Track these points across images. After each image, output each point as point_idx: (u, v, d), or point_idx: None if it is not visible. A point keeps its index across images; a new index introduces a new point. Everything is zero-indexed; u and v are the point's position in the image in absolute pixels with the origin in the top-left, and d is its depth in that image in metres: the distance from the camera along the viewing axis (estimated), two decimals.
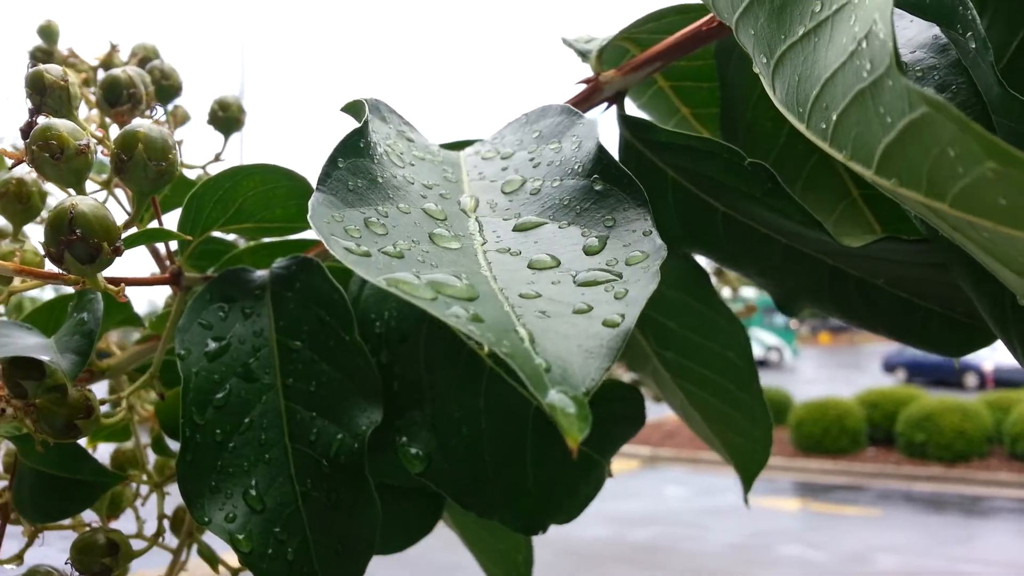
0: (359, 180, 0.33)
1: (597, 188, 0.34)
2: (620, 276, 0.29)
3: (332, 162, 0.32)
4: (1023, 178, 0.20)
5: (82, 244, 0.33)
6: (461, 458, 0.44)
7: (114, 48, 0.64)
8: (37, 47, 0.63)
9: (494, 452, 0.44)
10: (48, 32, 0.64)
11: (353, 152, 0.33)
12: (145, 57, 0.63)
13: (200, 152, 0.60)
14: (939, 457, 8.26)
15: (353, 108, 0.38)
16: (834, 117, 0.28)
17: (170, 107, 0.60)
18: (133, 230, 0.39)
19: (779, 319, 21.16)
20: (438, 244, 0.32)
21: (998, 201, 0.21)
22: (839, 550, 5.89)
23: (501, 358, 0.24)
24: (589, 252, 0.31)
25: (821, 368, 19.82)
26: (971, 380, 14.46)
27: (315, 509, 0.40)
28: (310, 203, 0.30)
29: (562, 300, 0.28)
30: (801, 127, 0.31)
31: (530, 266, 0.31)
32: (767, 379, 12.90)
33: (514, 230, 0.34)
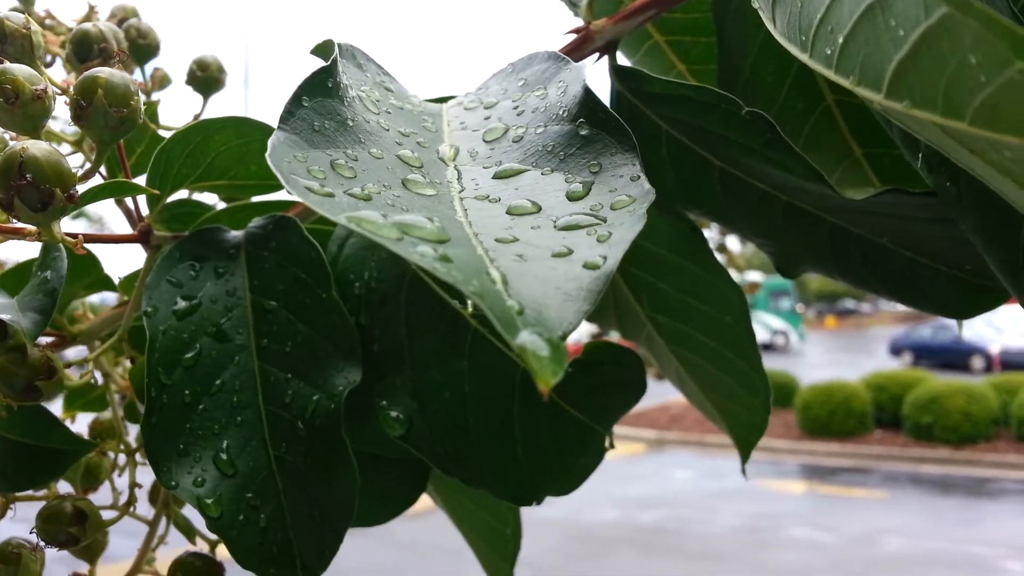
0: (326, 121, 0.31)
1: (583, 133, 0.32)
2: (604, 220, 0.27)
3: (296, 100, 0.30)
4: None
5: (33, 190, 0.31)
6: (443, 423, 0.42)
7: (92, 9, 0.62)
8: (13, 8, 0.61)
9: (479, 418, 0.43)
10: None
11: (320, 91, 0.31)
12: (124, 17, 0.61)
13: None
14: (946, 439, 8.24)
15: (322, 49, 0.36)
16: (840, 40, 0.26)
17: (151, 68, 0.58)
18: (97, 182, 0.37)
19: (785, 303, 21.14)
20: (411, 190, 0.30)
21: None
22: (846, 532, 5.88)
23: (471, 299, 0.22)
24: (572, 198, 0.30)
25: (827, 352, 19.78)
26: (977, 363, 14.43)
27: (290, 474, 0.38)
28: (269, 142, 0.28)
29: (541, 244, 0.26)
30: (804, 57, 0.29)
31: (509, 212, 0.29)
32: (773, 363, 12.88)
33: (494, 177, 0.32)
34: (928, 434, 8.35)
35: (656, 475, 7.72)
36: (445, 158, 0.34)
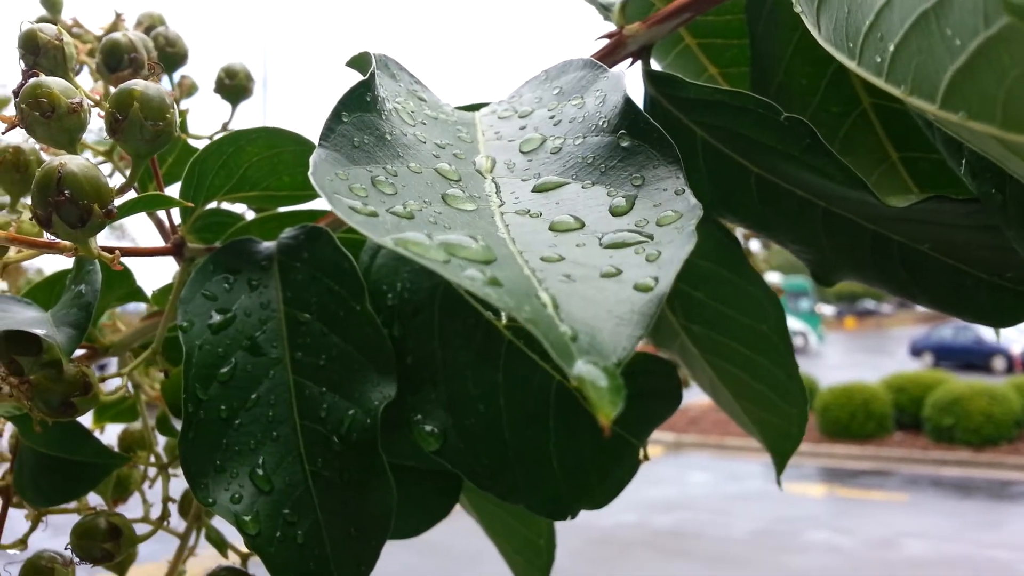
0: (366, 136, 0.30)
1: (624, 144, 0.32)
2: (651, 237, 0.27)
3: (336, 116, 0.30)
4: None
5: (71, 206, 0.31)
6: (478, 437, 0.41)
7: (119, 17, 0.62)
8: (40, 18, 0.61)
9: (514, 431, 0.42)
10: (51, 2, 0.62)
11: (359, 106, 0.31)
12: (151, 25, 0.61)
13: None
14: (967, 441, 8.16)
15: (359, 62, 0.35)
16: (891, 48, 0.25)
17: (177, 76, 0.58)
18: (131, 195, 0.37)
19: (804, 304, 21.00)
20: (452, 205, 0.29)
21: None
22: (866, 536, 5.84)
23: (522, 326, 0.21)
24: (616, 213, 0.29)
25: (847, 353, 19.65)
26: (999, 364, 14.29)
27: (326, 489, 0.38)
28: (311, 160, 0.27)
29: (588, 263, 0.25)
30: (852, 64, 0.28)
31: (552, 228, 0.28)
32: None
33: (534, 191, 0.31)
34: (949, 436, 8.27)
35: (674, 478, 7.69)
36: (482, 170, 0.33)
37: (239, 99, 0.56)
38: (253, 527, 0.36)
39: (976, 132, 0.23)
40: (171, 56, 0.55)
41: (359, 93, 0.31)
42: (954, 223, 0.42)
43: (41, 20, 0.62)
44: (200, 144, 0.57)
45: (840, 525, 6.12)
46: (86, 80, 0.57)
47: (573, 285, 0.24)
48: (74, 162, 0.31)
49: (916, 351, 16.02)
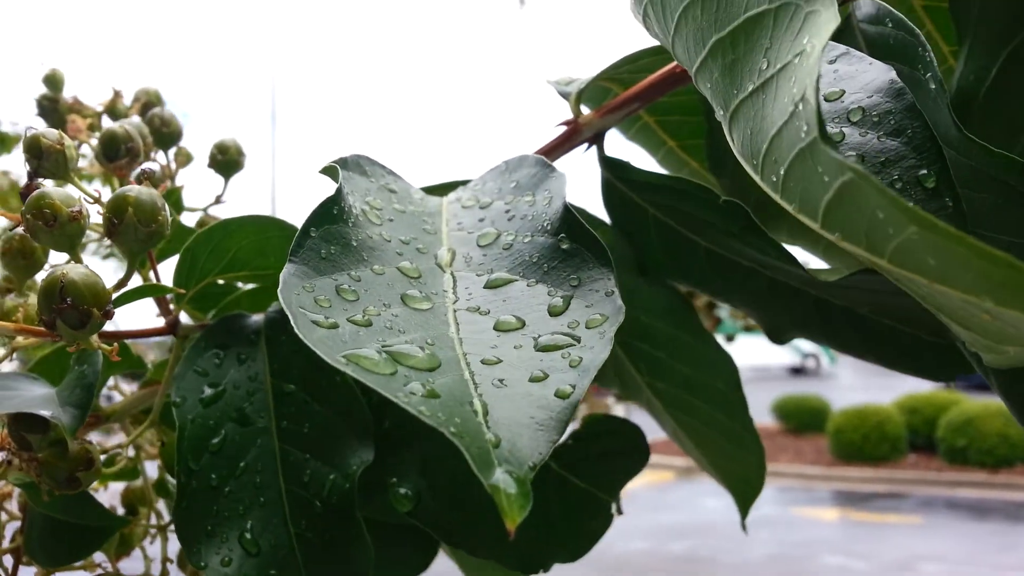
0: (332, 246, 0.34)
1: (564, 247, 0.35)
2: (579, 340, 0.30)
3: (304, 232, 0.33)
4: (943, 243, 0.21)
5: (73, 311, 0.34)
6: (450, 497, 0.45)
7: (117, 94, 0.66)
8: (43, 95, 0.66)
9: (484, 490, 0.45)
10: (53, 81, 0.66)
11: (327, 219, 0.35)
12: (148, 103, 0.65)
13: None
14: (982, 463, 8.10)
15: (330, 171, 0.39)
16: (782, 171, 0.29)
17: (172, 151, 0.62)
18: (130, 287, 0.41)
19: None
20: (409, 305, 0.33)
21: (927, 261, 0.22)
22: (881, 559, 5.80)
23: (451, 439, 0.25)
24: (553, 313, 0.32)
25: (859, 374, 19.54)
26: None
27: (310, 550, 0.41)
28: (281, 276, 0.31)
29: (521, 366, 0.29)
30: (757, 178, 0.32)
31: (496, 327, 0.31)
32: (804, 387, 12.76)
33: (485, 287, 0.35)
34: (963, 457, 8.21)
35: (687, 503, 7.66)
36: (442, 264, 0.37)
37: (231, 173, 0.60)
38: None
39: (851, 251, 0.27)
40: (166, 135, 0.59)
41: (327, 208, 0.35)
42: (887, 290, 0.45)
43: (44, 97, 0.66)
44: (194, 216, 0.61)
45: (855, 549, 6.08)
46: (86, 153, 0.61)
47: (504, 390, 0.27)
48: (75, 271, 0.35)
49: None
